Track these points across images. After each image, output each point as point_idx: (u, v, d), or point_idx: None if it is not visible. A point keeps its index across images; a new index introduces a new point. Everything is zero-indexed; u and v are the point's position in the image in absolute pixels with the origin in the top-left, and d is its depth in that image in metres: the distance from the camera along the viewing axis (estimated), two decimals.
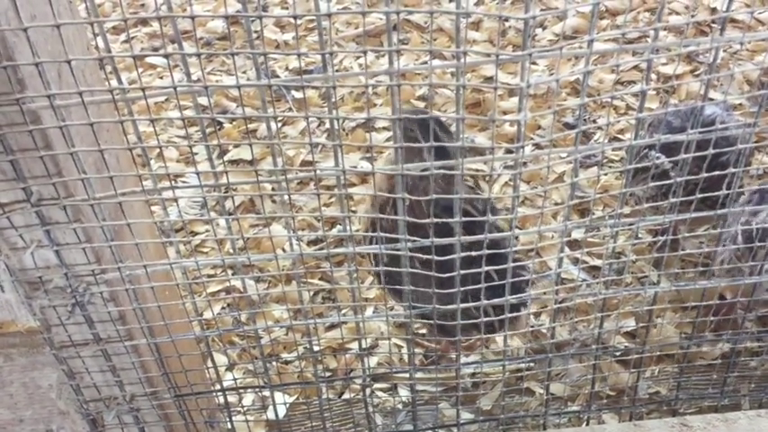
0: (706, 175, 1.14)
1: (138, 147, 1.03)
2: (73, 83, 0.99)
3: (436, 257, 1.15)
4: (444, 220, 1.15)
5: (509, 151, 2.57)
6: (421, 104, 2.83)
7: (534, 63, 2.98)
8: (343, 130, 2.68)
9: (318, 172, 1.10)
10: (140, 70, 3.04)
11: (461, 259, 1.19)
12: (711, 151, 1.13)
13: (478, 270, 1.19)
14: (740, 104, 2.61)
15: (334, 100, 0.99)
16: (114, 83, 0.99)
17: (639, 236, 2.23)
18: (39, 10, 1.02)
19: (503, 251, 1.20)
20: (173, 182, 2.26)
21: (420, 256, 1.18)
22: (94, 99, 0.99)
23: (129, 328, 1.30)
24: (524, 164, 2.09)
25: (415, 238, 1.17)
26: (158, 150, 2.58)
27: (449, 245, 1.18)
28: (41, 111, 1.01)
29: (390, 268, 1.24)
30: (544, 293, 1.64)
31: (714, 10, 3.13)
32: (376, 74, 0.97)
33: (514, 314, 1.44)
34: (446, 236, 1.18)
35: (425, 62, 3.02)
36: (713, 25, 3.05)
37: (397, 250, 1.19)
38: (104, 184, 1.10)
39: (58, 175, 1.07)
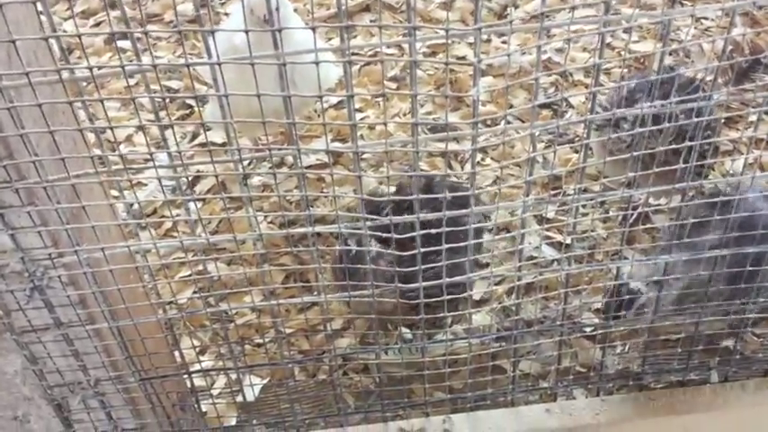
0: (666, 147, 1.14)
1: (88, 128, 1.02)
2: (22, 65, 0.97)
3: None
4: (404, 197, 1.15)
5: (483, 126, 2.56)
6: (393, 85, 2.82)
7: (506, 42, 2.96)
8: (315, 111, 2.66)
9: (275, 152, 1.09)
10: (109, 55, 3.01)
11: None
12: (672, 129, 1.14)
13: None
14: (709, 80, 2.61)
15: (285, 77, 0.98)
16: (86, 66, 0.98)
17: (609, 213, 2.24)
18: None
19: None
20: (142, 164, 2.24)
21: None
22: (42, 80, 0.98)
23: (89, 312, 1.29)
24: (481, 139, 2.08)
25: (375, 217, 1.17)
26: (126, 135, 2.57)
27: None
28: None
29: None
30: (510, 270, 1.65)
31: None
32: (329, 50, 0.96)
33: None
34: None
35: (398, 41, 3.01)
36: (684, 1, 3.06)
37: (359, 229, 1.19)
38: (59, 167, 1.08)
39: (9, 157, 1.06)
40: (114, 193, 1.22)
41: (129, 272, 1.35)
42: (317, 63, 0.94)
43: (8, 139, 1.05)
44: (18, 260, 1.17)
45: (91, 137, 1.22)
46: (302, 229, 1.20)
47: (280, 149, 1.09)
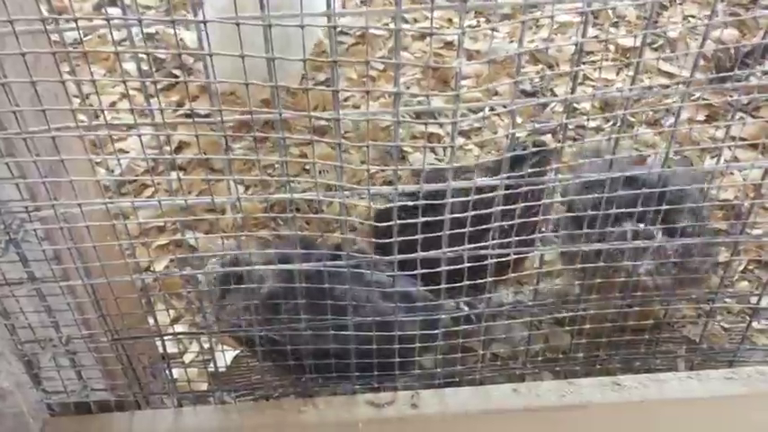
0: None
1: (71, 80, 1.02)
2: (7, 13, 0.97)
3: None
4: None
5: (468, 112, 2.58)
6: (379, 66, 2.83)
7: (495, 30, 2.99)
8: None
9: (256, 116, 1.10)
10: (95, 22, 2.99)
11: None
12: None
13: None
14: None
15: (271, 40, 0.99)
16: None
17: None
18: None
19: None
20: (125, 129, 2.24)
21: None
22: (27, 28, 0.98)
23: (64, 268, 1.29)
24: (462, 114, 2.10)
25: (379, 187, 1.18)
26: (111, 102, 2.56)
27: None
28: None
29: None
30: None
31: None
32: (313, 15, 0.96)
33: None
34: None
35: (386, 23, 3.02)
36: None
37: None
38: (40, 122, 1.08)
39: None
40: (96, 159, 1.22)
41: (106, 231, 1.35)
42: (301, 27, 0.95)
43: None
44: None
45: (75, 102, 1.22)
46: (281, 195, 1.21)
47: (262, 111, 1.09)
